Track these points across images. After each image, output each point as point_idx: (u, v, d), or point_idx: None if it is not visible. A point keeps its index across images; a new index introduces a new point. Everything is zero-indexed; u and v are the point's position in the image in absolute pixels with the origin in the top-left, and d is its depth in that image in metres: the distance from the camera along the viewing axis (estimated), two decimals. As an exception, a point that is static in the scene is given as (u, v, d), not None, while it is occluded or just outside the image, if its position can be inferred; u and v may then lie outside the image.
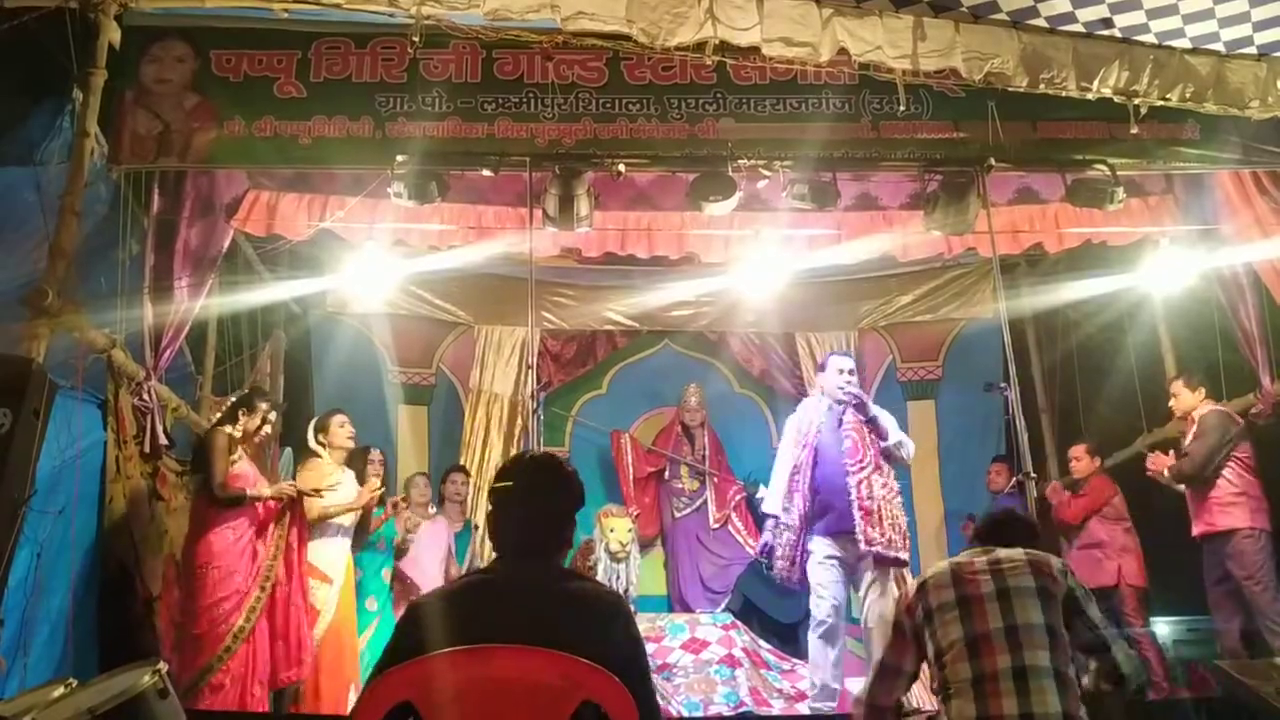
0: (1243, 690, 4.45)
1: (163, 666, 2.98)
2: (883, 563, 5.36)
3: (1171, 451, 6.27)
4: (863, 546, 5.28)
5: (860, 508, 5.34)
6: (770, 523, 5.64)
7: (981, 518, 3.69)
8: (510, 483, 2.51)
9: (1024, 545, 3.27)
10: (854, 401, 5.55)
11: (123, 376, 5.35)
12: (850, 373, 5.67)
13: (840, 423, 5.55)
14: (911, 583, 3.26)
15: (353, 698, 5.60)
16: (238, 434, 5.52)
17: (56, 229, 4.80)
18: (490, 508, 2.52)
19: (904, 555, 5.43)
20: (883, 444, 5.52)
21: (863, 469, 5.43)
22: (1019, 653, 2.92)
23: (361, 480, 6.24)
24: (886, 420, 5.59)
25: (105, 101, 5.19)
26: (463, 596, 2.37)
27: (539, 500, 2.48)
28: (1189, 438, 6.12)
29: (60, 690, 3.07)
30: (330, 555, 5.84)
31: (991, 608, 3.00)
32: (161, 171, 5.69)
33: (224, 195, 6.18)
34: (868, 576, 5.38)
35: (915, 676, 3.22)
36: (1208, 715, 4.68)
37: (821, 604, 5.39)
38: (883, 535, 5.32)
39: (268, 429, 5.80)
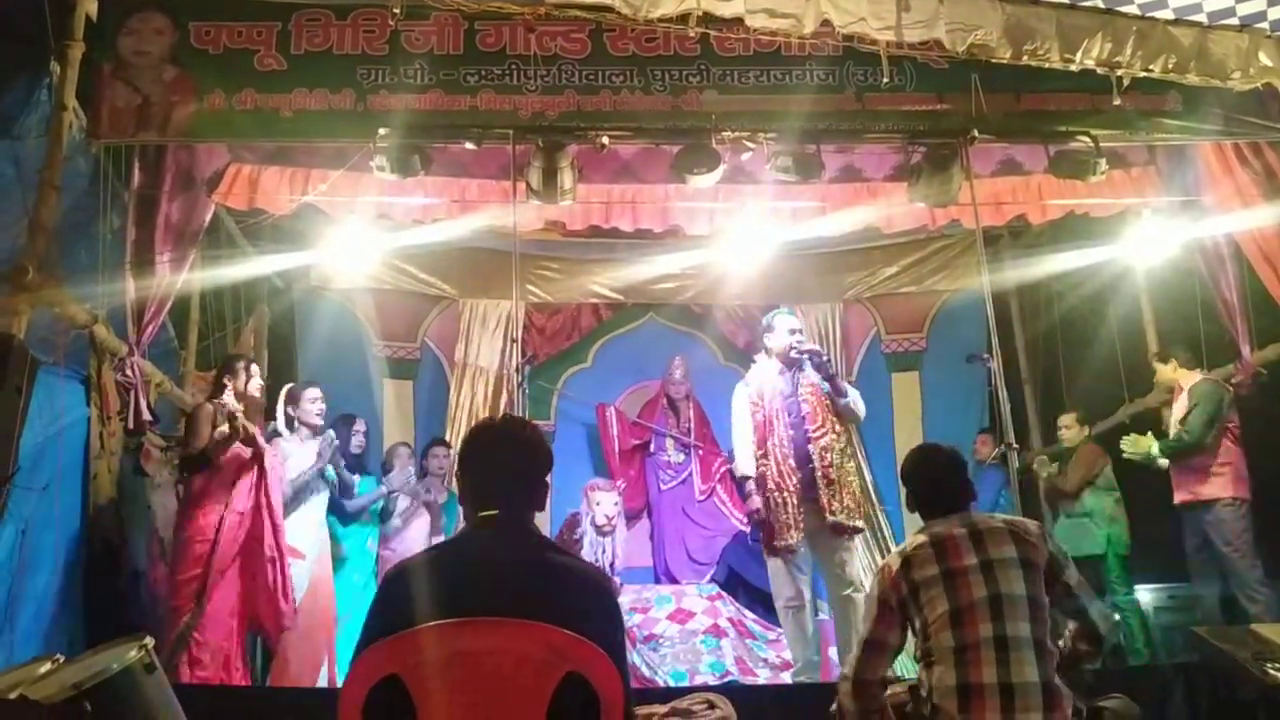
0: (1219, 656, 4.52)
1: (149, 641, 2.99)
2: (840, 532, 5.35)
3: (1149, 433, 6.30)
4: (827, 517, 5.27)
5: (823, 475, 5.31)
6: (751, 485, 5.53)
7: (919, 481, 3.44)
8: (477, 446, 2.53)
9: (969, 493, 3.36)
10: (814, 360, 5.49)
11: (105, 352, 5.32)
12: (800, 331, 5.60)
13: (795, 386, 5.50)
14: (892, 556, 3.24)
15: (325, 671, 5.63)
16: (233, 402, 5.44)
17: (36, 204, 4.78)
18: (460, 474, 2.53)
19: (859, 524, 5.43)
20: (841, 401, 5.48)
21: (823, 434, 5.39)
22: (1001, 622, 2.94)
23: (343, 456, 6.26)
24: (840, 377, 5.56)
25: (83, 74, 5.15)
26: (444, 565, 2.36)
27: (507, 462, 2.47)
28: (1177, 409, 6.13)
29: (47, 666, 3.08)
30: (302, 529, 5.78)
31: (975, 579, 3.01)
32: (141, 145, 5.64)
33: (205, 169, 6.14)
34: (828, 545, 5.37)
35: (900, 649, 3.23)
36: (1185, 681, 4.74)
37: (788, 582, 5.40)
38: (842, 505, 5.30)
39: (257, 382, 5.68)
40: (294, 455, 5.92)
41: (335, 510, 6.19)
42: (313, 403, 6.07)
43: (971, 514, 3.26)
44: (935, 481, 3.38)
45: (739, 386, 5.79)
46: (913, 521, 6.62)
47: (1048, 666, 2.94)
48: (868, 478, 7.91)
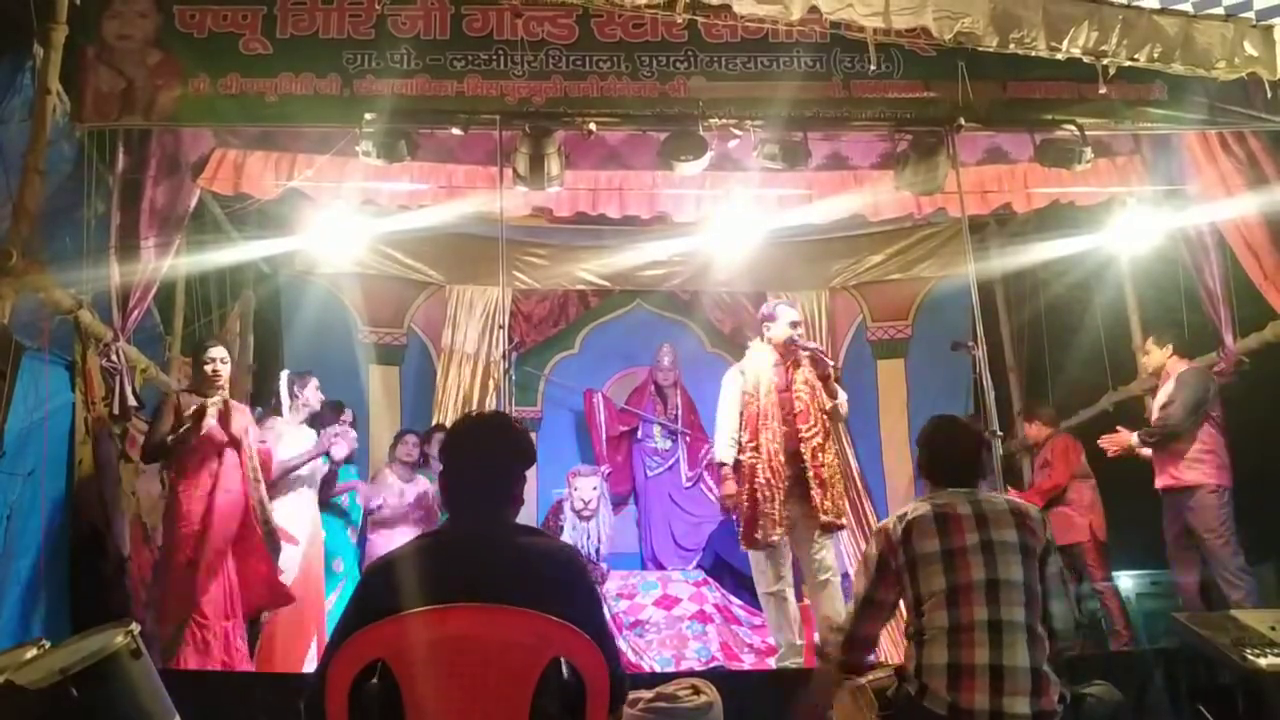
0: (1200, 642, 4.56)
1: (135, 627, 2.98)
2: (829, 530, 5.35)
3: (1122, 428, 6.32)
4: (821, 517, 5.26)
5: (816, 477, 5.27)
6: (727, 470, 5.50)
7: (941, 449, 3.42)
8: (459, 442, 2.56)
9: (983, 472, 3.41)
10: (813, 355, 5.44)
11: (90, 337, 5.31)
12: (800, 324, 5.56)
13: (789, 382, 5.45)
14: (892, 519, 3.23)
15: (313, 653, 5.63)
16: (211, 393, 5.40)
17: (19, 188, 4.75)
18: (444, 468, 2.55)
19: (843, 522, 5.43)
20: (830, 403, 5.42)
21: (815, 433, 5.34)
22: (996, 606, 2.98)
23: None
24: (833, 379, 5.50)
25: (67, 58, 5.11)
26: (424, 556, 2.39)
27: (487, 457, 2.50)
28: (1161, 395, 6.16)
29: (33, 652, 3.07)
30: (294, 514, 5.80)
31: (975, 560, 3.04)
32: (126, 130, 5.61)
33: (190, 154, 6.10)
34: (810, 538, 5.36)
35: (894, 609, 3.26)
36: (1165, 666, 4.79)
37: (768, 572, 5.40)
38: (834, 505, 5.29)
39: (223, 368, 5.44)
40: (287, 435, 5.94)
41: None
42: (316, 390, 6.16)
43: (978, 492, 3.26)
44: (957, 454, 3.37)
45: (732, 372, 5.74)
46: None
47: (1038, 652, 2.98)
48: (852, 465, 7.94)
